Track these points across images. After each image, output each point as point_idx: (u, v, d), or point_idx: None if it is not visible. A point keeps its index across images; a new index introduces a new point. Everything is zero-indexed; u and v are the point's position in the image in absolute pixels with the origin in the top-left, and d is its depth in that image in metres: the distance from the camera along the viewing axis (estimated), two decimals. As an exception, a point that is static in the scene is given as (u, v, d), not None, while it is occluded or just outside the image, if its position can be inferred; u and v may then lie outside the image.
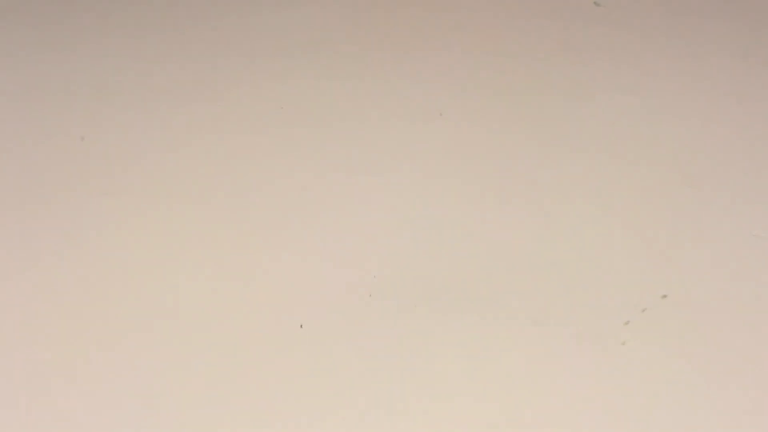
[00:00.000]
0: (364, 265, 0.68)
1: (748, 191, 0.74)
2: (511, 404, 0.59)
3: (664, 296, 0.65)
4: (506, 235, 0.70)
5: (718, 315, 0.64)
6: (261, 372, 0.61)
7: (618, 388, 0.60)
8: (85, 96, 0.85)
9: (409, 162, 0.77)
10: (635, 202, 0.73)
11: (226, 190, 0.75)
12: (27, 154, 0.79)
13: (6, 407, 0.60)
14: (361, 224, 0.72)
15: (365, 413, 0.59)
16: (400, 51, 0.90)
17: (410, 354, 0.62)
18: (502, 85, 0.85)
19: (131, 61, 0.90)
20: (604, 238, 0.70)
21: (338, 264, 0.68)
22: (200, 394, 0.60)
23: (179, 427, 0.58)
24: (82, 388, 0.61)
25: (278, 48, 0.91)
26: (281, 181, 0.76)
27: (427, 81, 0.86)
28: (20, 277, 0.68)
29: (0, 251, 0.70)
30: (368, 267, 0.68)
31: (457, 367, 0.61)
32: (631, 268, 0.67)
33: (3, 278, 0.68)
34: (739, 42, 0.91)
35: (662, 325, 0.64)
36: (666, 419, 0.58)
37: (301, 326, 0.64)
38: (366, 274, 0.67)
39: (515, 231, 0.71)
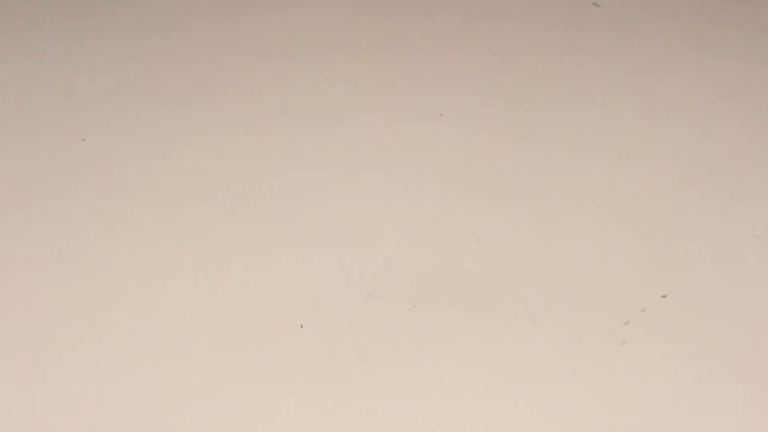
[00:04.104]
0: (364, 265, 0.68)
1: (748, 191, 0.74)
2: (510, 404, 0.59)
3: (664, 296, 0.65)
4: (506, 235, 0.70)
5: (718, 315, 0.64)
6: (261, 372, 0.61)
7: (618, 388, 0.60)
8: (86, 96, 0.85)
9: (409, 162, 0.77)
10: (635, 202, 0.73)
11: (226, 190, 0.75)
12: (27, 154, 0.79)
13: (6, 407, 0.60)
14: (361, 224, 0.72)
15: (365, 413, 0.59)
16: (400, 51, 0.90)
17: (410, 354, 0.62)
18: (502, 86, 0.85)
19: (132, 62, 0.90)
20: (604, 237, 0.70)
21: (338, 264, 0.68)
22: (200, 394, 0.60)
23: (178, 427, 0.58)
24: (82, 388, 0.61)
25: (278, 48, 0.91)
26: (281, 181, 0.76)
27: (427, 81, 0.86)
28: (20, 277, 0.68)
29: (0, 251, 0.70)
30: (368, 267, 0.68)
31: (457, 367, 0.61)
32: (631, 268, 0.67)
33: (3, 278, 0.68)
34: (739, 42, 0.91)
35: (662, 325, 0.64)
36: (666, 419, 0.58)
37: (302, 326, 0.64)
38: (366, 274, 0.67)
39: (515, 231, 0.71)
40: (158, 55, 0.91)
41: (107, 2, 0.99)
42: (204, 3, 0.98)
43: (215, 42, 0.92)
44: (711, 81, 0.86)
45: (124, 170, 0.77)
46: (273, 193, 0.75)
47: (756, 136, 0.79)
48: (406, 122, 0.81)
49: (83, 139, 0.80)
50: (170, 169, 0.77)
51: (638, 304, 0.65)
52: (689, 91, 0.84)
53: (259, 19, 0.95)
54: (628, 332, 0.63)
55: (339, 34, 0.93)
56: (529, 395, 0.60)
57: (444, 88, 0.85)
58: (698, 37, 0.92)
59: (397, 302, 0.65)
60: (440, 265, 0.68)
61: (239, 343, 0.63)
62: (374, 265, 0.68)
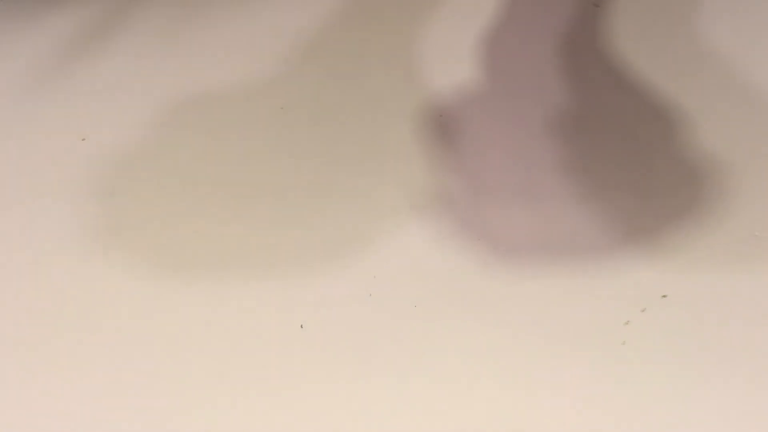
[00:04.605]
0: (364, 265, 0.68)
1: (748, 191, 0.74)
2: (510, 404, 0.59)
3: (664, 296, 0.65)
4: (506, 234, 0.70)
5: (718, 315, 0.64)
6: (260, 372, 0.61)
7: (618, 388, 0.60)
8: (86, 96, 0.85)
9: (409, 161, 0.77)
10: (635, 201, 0.73)
11: (226, 190, 0.75)
12: (27, 154, 0.79)
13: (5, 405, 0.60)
14: (360, 224, 0.72)
15: (365, 413, 0.59)
16: (400, 51, 0.90)
17: (410, 354, 0.62)
18: (501, 85, 0.85)
19: (132, 61, 0.90)
20: (604, 237, 0.70)
21: (338, 264, 0.68)
22: (199, 394, 0.60)
23: (178, 427, 0.58)
24: (81, 389, 0.61)
25: (278, 48, 0.91)
26: (281, 181, 0.76)
27: (427, 80, 0.86)
28: (20, 278, 0.68)
29: (0, 252, 0.70)
30: (368, 267, 0.68)
31: (456, 367, 0.61)
32: (631, 268, 0.67)
33: (3, 279, 0.68)
34: (739, 42, 0.91)
35: (662, 325, 0.64)
36: (666, 419, 0.58)
37: (302, 326, 0.64)
38: (366, 274, 0.67)
39: (515, 230, 0.71)
40: (159, 54, 0.91)
41: (107, 1, 0.99)
42: (205, 2, 0.98)
43: (216, 41, 0.92)
44: (710, 80, 0.86)
45: (123, 170, 0.77)
46: (272, 192, 0.75)
47: (756, 136, 0.79)
48: (405, 122, 0.81)
49: (83, 139, 0.80)
50: (170, 170, 0.77)
51: (638, 304, 0.65)
52: (688, 91, 0.84)
53: (260, 18, 0.95)
54: (628, 332, 0.63)
55: (339, 33, 0.93)
56: (529, 395, 0.60)
57: (443, 87, 0.85)
58: (697, 38, 0.92)
59: (397, 302, 0.65)
60: (441, 265, 0.68)
61: (239, 343, 0.63)
62: (374, 265, 0.68)
